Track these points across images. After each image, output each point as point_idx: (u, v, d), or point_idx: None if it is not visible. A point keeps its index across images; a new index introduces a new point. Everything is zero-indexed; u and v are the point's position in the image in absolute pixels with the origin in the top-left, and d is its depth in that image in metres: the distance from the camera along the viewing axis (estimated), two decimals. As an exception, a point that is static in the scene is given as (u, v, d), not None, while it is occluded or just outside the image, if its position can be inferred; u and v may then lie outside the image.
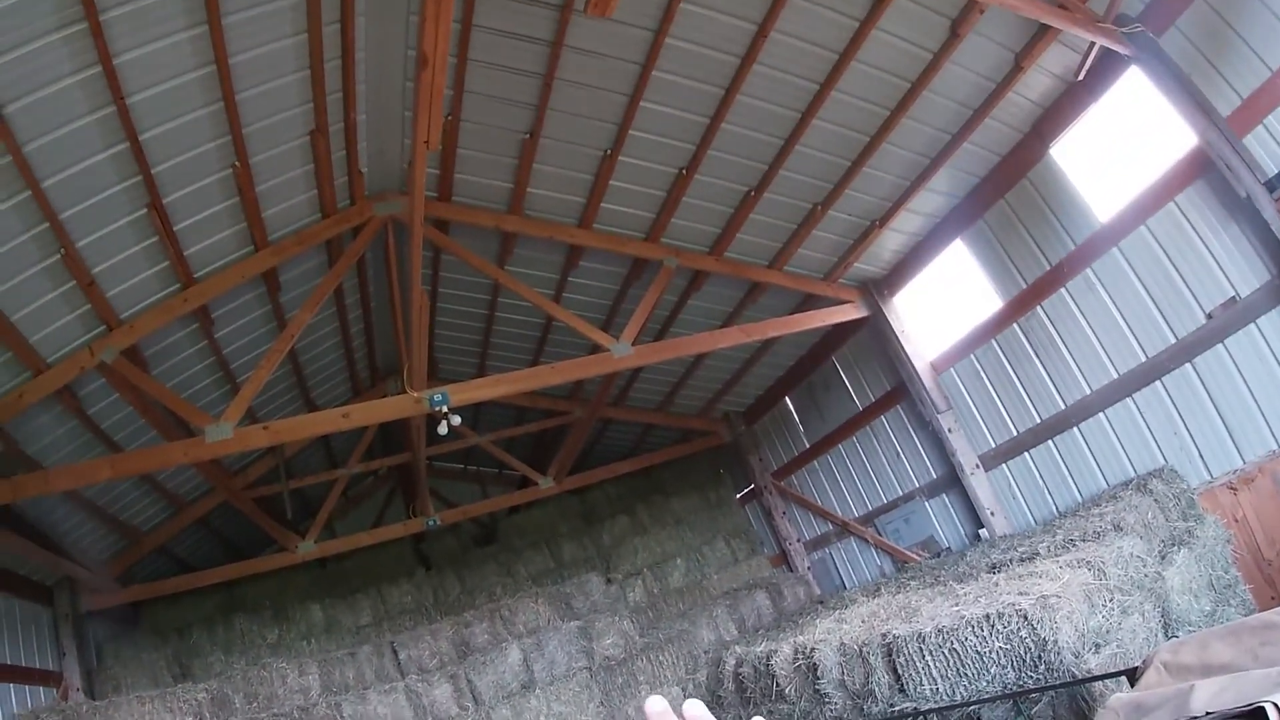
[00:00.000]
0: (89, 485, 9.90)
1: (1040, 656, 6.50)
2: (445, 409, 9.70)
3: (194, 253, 8.84)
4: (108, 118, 6.75)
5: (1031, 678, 6.54)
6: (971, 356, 11.04)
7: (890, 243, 11.26)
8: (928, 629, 7.38)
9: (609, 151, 9.47)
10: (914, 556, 12.60)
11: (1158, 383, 8.86)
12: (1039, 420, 10.32)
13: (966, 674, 7.08)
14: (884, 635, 7.90)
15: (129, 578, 13.09)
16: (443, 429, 9.91)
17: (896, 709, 7.65)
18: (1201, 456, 8.64)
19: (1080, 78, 8.72)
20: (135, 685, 11.78)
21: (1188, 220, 8.21)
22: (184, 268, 8.81)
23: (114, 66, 6.35)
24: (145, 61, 6.56)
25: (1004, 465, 10.97)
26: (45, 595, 11.62)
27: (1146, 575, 7.04)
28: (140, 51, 6.47)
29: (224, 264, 9.31)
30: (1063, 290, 9.57)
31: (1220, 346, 8.20)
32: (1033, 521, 10.67)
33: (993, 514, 11.05)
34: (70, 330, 8.53)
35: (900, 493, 12.96)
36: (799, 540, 15.66)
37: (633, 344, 10.47)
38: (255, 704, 10.96)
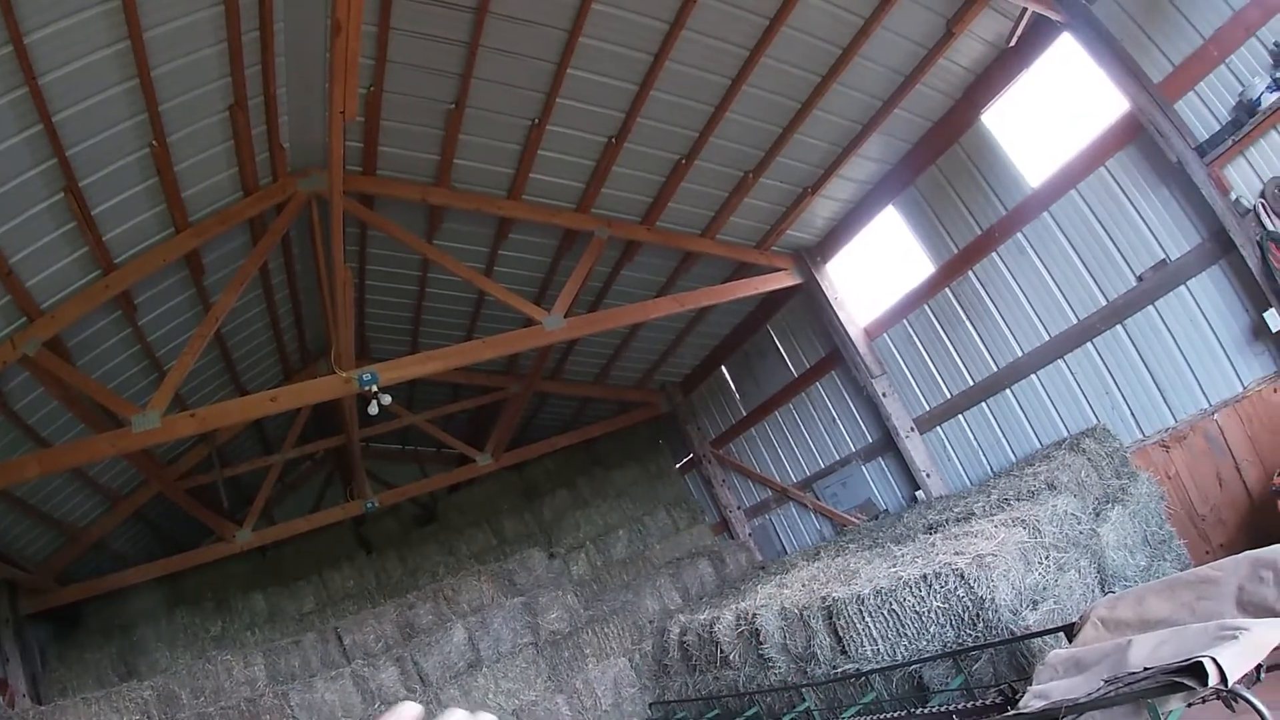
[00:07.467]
0: (18, 484, 9.48)
1: (978, 615, 6.65)
2: (374, 388, 9.54)
3: (113, 237, 8.48)
4: (20, 99, 6.42)
5: (970, 636, 6.70)
6: (904, 321, 11.19)
7: (823, 210, 11.32)
8: (866, 591, 7.52)
9: (537, 120, 9.29)
10: (852, 520, 12.80)
11: (1089, 344, 9.08)
12: (972, 383, 10.52)
13: (907, 634, 7.22)
14: (824, 599, 8.03)
15: (67, 577, 12.66)
16: (373, 409, 9.77)
17: (839, 670, 7.78)
18: (1133, 415, 8.89)
19: (1012, 44, 8.81)
20: (81, 686, 11.57)
21: (1118, 184, 8.39)
22: (104, 253, 8.46)
23: (25, 46, 6.04)
24: (57, 39, 6.24)
25: (938, 428, 11.18)
26: (-17, 601, 11.20)
27: (1081, 532, 7.23)
28: (51, 29, 6.14)
29: (145, 247, 8.95)
30: (994, 254, 9.73)
31: (1151, 308, 8.43)
32: (968, 482, 10.91)
33: (928, 476, 11.27)
34: (-11, 324, 8.16)
35: (837, 457, 13.14)
36: (739, 507, 15.83)
37: (565, 316, 10.38)
38: (202, 698, 10.76)
